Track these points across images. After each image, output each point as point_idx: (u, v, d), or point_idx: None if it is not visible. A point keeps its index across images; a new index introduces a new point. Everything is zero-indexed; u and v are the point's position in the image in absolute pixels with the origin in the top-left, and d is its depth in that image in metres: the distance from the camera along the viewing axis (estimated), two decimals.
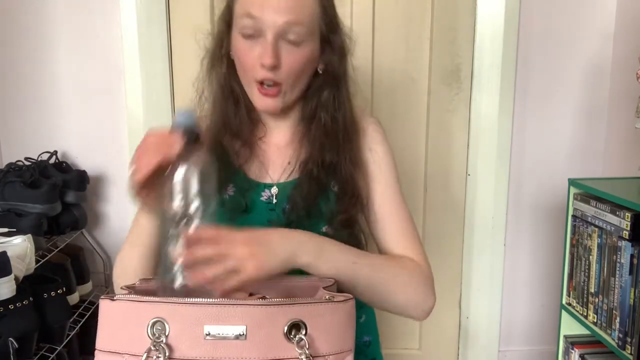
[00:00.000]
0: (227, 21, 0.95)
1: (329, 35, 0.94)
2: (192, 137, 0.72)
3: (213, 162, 0.73)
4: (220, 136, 0.97)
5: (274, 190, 0.97)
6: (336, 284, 0.78)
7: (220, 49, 0.97)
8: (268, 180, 0.98)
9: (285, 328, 0.66)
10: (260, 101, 0.92)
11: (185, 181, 0.70)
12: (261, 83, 0.90)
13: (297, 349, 0.66)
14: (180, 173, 0.70)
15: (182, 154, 0.71)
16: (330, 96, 0.96)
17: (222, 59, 0.97)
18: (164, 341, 0.65)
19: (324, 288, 0.75)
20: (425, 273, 0.92)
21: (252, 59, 0.89)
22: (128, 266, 0.87)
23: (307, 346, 0.66)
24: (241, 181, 0.97)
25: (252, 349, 0.65)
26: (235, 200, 0.95)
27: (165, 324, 0.66)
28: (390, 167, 1.00)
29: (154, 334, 0.66)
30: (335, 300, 0.69)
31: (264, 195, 0.97)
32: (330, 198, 0.96)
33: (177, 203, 0.70)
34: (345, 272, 0.81)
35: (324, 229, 0.95)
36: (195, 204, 0.70)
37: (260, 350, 0.65)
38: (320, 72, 0.96)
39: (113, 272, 0.90)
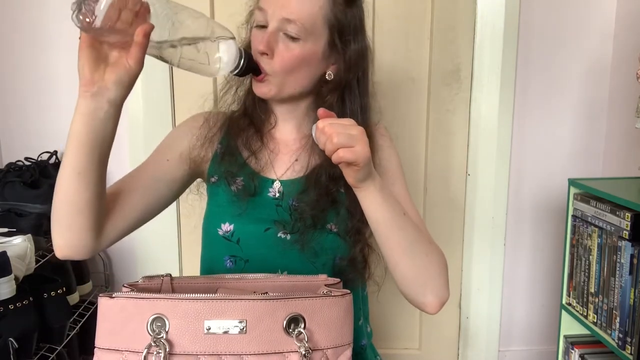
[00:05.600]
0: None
1: (338, 43, 0.95)
2: None
3: None
4: (240, 121, 1.02)
5: (277, 184, 0.99)
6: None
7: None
8: (273, 176, 1.00)
9: (285, 322, 0.67)
10: (254, 86, 0.96)
11: None
12: None
13: (296, 342, 0.67)
14: None
15: None
16: (333, 105, 0.96)
17: None
18: (164, 337, 0.65)
19: (327, 285, 0.76)
20: (447, 268, 0.94)
21: (256, 47, 0.94)
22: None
23: (306, 339, 0.67)
24: (248, 174, 1.00)
25: (252, 343, 0.66)
26: (245, 191, 0.98)
27: (166, 319, 0.66)
28: (399, 171, 1.03)
29: (154, 330, 0.66)
30: (333, 294, 0.70)
31: (271, 192, 0.99)
32: (339, 205, 0.97)
33: None
34: (394, 214, 0.85)
35: (329, 225, 0.96)
36: None
37: (260, 344, 0.66)
38: (329, 78, 0.97)
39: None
